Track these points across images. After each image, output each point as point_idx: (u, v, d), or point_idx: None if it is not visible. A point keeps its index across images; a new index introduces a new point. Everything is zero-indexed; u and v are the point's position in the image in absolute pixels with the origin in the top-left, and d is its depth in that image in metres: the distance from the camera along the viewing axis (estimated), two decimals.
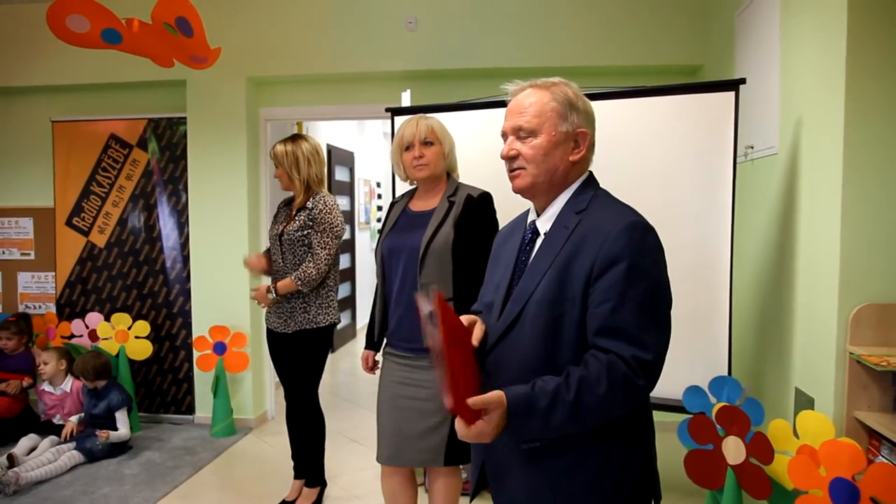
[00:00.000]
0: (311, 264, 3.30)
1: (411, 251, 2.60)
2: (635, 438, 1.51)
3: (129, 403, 4.41)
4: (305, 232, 3.34)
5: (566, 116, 1.55)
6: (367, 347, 2.88)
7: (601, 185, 1.64)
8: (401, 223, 2.73)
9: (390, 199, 3.00)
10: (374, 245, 2.86)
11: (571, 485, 1.48)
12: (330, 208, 3.36)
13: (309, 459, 3.54)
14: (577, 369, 1.39)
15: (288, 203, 3.56)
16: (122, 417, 4.32)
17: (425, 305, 1.39)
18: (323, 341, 3.43)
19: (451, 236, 2.55)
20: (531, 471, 1.52)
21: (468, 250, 2.57)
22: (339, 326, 3.51)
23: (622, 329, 1.39)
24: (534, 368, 1.46)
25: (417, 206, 2.73)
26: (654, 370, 1.41)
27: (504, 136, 1.63)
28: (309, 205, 3.36)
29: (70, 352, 4.67)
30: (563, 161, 1.56)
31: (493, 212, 2.67)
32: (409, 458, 2.66)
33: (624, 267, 1.41)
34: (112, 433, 4.23)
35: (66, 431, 4.27)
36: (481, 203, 2.63)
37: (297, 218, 3.37)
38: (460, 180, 2.77)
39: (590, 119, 1.60)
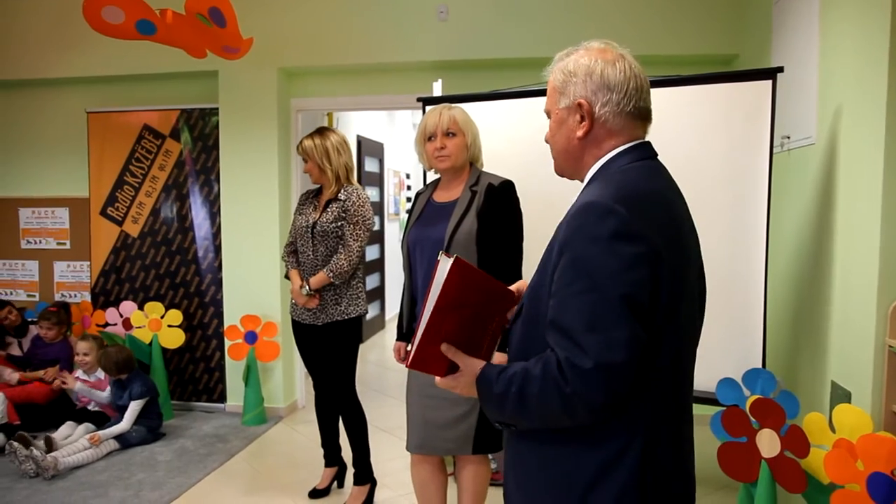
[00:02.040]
0: (343, 256, 3.31)
1: (435, 243, 2.60)
2: (622, 448, 1.28)
3: (151, 394, 4.41)
4: (339, 223, 3.34)
5: (563, 90, 1.41)
6: (398, 339, 2.88)
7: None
8: (425, 215, 2.73)
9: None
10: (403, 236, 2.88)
11: (536, 485, 1.37)
12: (363, 201, 3.38)
13: (357, 457, 3.52)
14: (532, 361, 1.29)
15: (313, 195, 3.56)
16: (133, 408, 4.30)
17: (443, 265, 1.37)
18: (354, 332, 3.44)
19: (474, 226, 2.55)
20: (513, 465, 1.45)
21: (492, 239, 2.57)
22: (367, 317, 3.51)
23: (562, 327, 1.23)
24: (520, 355, 1.38)
25: (441, 196, 2.73)
26: (592, 380, 1.18)
27: None
28: (342, 196, 3.37)
29: (105, 340, 4.75)
30: (571, 140, 1.42)
31: (516, 199, 2.66)
32: (437, 446, 2.68)
33: (571, 255, 1.24)
34: (102, 432, 4.17)
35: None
36: (503, 191, 2.62)
37: (329, 209, 3.37)
38: (485, 169, 2.76)
39: (596, 83, 1.38)
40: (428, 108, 3.68)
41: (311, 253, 3.40)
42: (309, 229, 3.41)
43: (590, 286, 1.21)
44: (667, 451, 1.32)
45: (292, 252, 3.54)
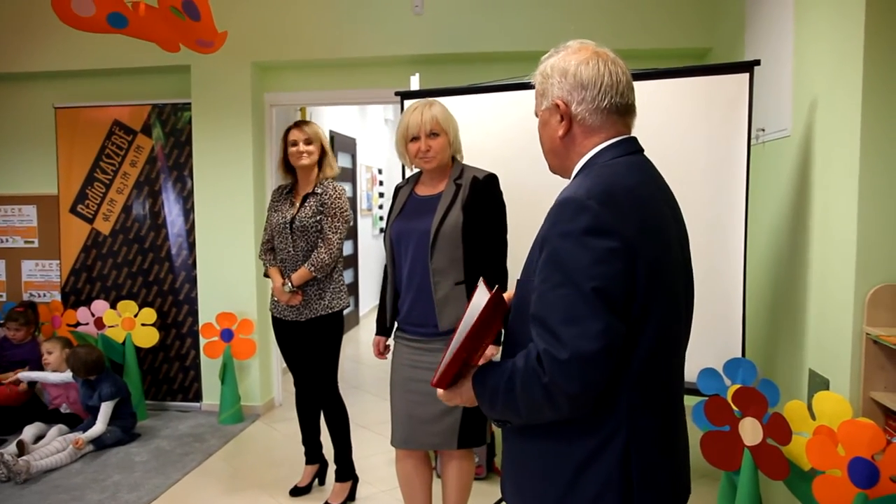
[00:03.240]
0: (323, 250, 3.30)
1: (421, 236, 2.59)
2: (605, 440, 1.32)
3: (121, 394, 4.33)
4: (318, 218, 3.34)
5: (544, 92, 1.46)
6: (378, 333, 2.87)
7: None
8: (408, 208, 2.73)
9: (393, 185, 2.99)
10: (376, 232, 2.89)
11: (524, 472, 1.43)
12: (339, 194, 3.38)
13: (338, 454, 3.50)
14: (520, 354, 1.33)
15: (287, 191, 3.51)
16: (105, 410, 4.21)
17: (480, 294, 1.42)
18: (338, 325, 3.44)
19: (460, 219, 2.55)
20: (512, 448, 1.50)
21: (477, 232, 2.57)
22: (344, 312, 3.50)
23: (540, 320, 1.28)
24: (510, 351, 1.41)
25: (424, 190, 2.73)
26: (568, 371, 1.22)
27: None
28: (318, 191, 3.37)
29: (76, 340, 4.66)
30: (554, 139, 1.46)
31: (500, 193, 2.68)
32: (422, 441, 2.67)
33: (547, 250, 1.30)
34: (83, 435, 4.10)
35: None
36: (487, 184, 2.63)
37: (307, 204, 3.36)
38: (464, 162, 2.76)
39: (570, 83, 1.42)
40: (406, 102, 3.66)
41: (290, 249, 3.37)
42: (287, 225, 3.37)
43: (564, 280, 1.26)
44: (653, 442, 1.34)
45: (269, 250, 3.52)
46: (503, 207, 2.68)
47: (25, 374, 4.45)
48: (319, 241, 3.34)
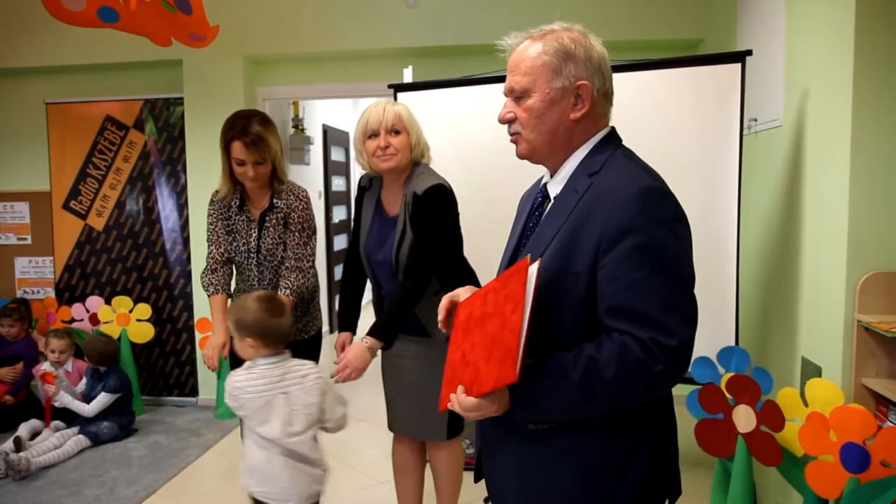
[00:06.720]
0: (298, 275, 2.75)
1: (388, 262, 2.56)
2: (644, 429, 1.36)
3: (123, 391, 4.33)
4: (283, 238, 2.80)
5: (560, 70, 1.36)
6: (342, 329, 2.75)
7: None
8: (376, 227, 2.63)
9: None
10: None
11: (566, 469, 1.37)
12: (306, 204, 2.82)
13: None
14: (590, 347, 1.27)
15: (237, 205, 2.83)
16: (102, 399, 4.22)
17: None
18: (315, 351, 2.96)
19: (412, 240, 2.49)
20: (523, 452, 1.42)
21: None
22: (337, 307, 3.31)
23: (637, 310, 1.24)
24: (530, 349, 1.29)
25: (388, 202, 2.62)
26: (678, 356, 1.24)
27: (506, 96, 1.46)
28: (278, 203, 2.78)
29: (73, 335, 4.65)
30: (563, 120, 1.38)
31: (433, 204, 2.46)
32: (411, 430, 2.72)
33: (637, 239, 1.24)
34: (75, 403, 4.15)
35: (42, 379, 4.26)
36: (423, 199, 2.46)
37: (268, 225, 2.78)
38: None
39: (594, 66, 1.38)
40: (400, 94, 3.66)
41: (255, 283, 2.86)
42: (253, 254, 2.81)
43: (660, 268, 1.26)
44: (674, 423, 1.45)
45: (224, 264, 2.87)
46: (436, 218, 2.48)
47: (62, 401, 4.18)
48: (288, 261, 2.77)
